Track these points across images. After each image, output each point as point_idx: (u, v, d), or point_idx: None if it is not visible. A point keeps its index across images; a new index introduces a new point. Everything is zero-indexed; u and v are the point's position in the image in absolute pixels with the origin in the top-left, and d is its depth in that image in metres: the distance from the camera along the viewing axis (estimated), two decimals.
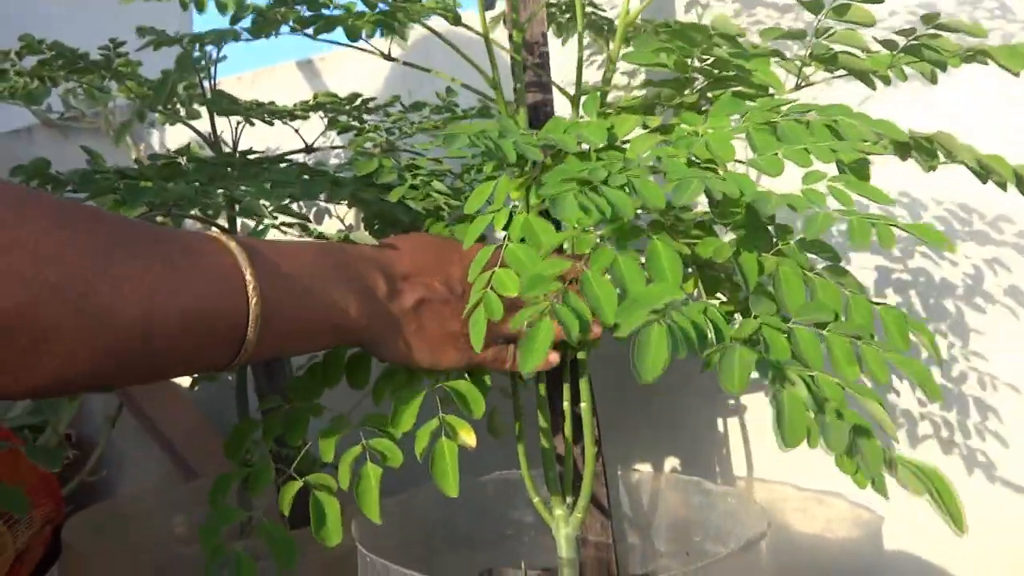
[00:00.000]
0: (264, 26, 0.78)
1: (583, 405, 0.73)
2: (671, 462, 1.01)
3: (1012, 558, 0.97)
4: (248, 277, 0.46)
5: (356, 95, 0.93)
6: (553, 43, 0.89)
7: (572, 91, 0.72)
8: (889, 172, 0.78)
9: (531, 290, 0.48)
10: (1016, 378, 0.96)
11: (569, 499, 0.75)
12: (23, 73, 0.98)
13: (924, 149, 0.57)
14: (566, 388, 0.74)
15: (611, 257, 0.49)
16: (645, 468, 0.89)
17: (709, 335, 0.43)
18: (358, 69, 1.34)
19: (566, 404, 0.76)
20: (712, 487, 0.78)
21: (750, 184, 0.48)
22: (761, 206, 0.46)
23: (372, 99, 0.96)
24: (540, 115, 0.86)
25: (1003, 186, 0.58)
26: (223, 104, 0.90)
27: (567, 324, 0.47)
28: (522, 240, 0.56)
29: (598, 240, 0.52)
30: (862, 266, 1.02)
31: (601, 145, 0.56)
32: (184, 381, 1.42)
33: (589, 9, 1.05)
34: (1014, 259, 0.96)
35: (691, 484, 0.80)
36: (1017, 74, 0.54)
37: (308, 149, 0.96)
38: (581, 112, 0.69)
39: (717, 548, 0.77)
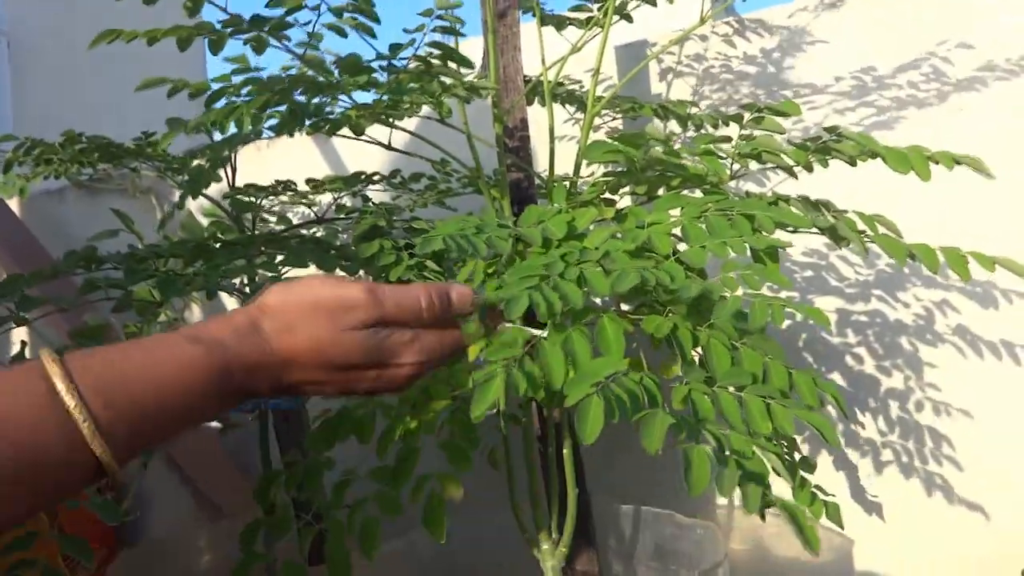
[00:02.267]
0: (283, 129, 0.90)
1: (565, 450, 0.84)
2: (653, 494, 1.10)
3: (966, 567, 1.05)
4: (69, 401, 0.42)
5: (360, 174, 1.04)
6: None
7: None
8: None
9: (497, 355, 0.58)
10: (967, 405, 1.06)
11: (555, 534, 0.85)
12: (65, 160, 1.10)
13: (838, 237, 0.67)
14: (551, 432, 0.84)
15: (565, 334, 0.59)
16: (627, 502, 0.99)
17: (643, 401, 0.53)
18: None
19: (551, 449, 0.86)
20: (683, 520, 0.87)
21: (679, 273, 0.58)
22: (684, 293, 0.56)
23: (375, 174, 1.07)
24: (521, 191, 0.97)
25: (932, 270, 0.67)
26: (243, 204, 1.01)
27: (516, 383, 0.56)
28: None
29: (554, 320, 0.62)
30: (824, 307, 1.12)
31: (562, 236, 0.66)
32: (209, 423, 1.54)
33: (572, 86, 1.16)
34: (961, 301, 1.05)
35: (666, 516, 0.90)
36: (905, 173, 0.64)
37: (320, 221, 1.07)
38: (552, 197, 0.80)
39: (691, 574, 0.87)
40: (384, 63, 0.71)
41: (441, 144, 0.90)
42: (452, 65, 0.73)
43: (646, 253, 0.64)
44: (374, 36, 0.67)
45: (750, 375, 0.59)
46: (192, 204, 1.70)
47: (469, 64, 0.71)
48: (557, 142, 0.93)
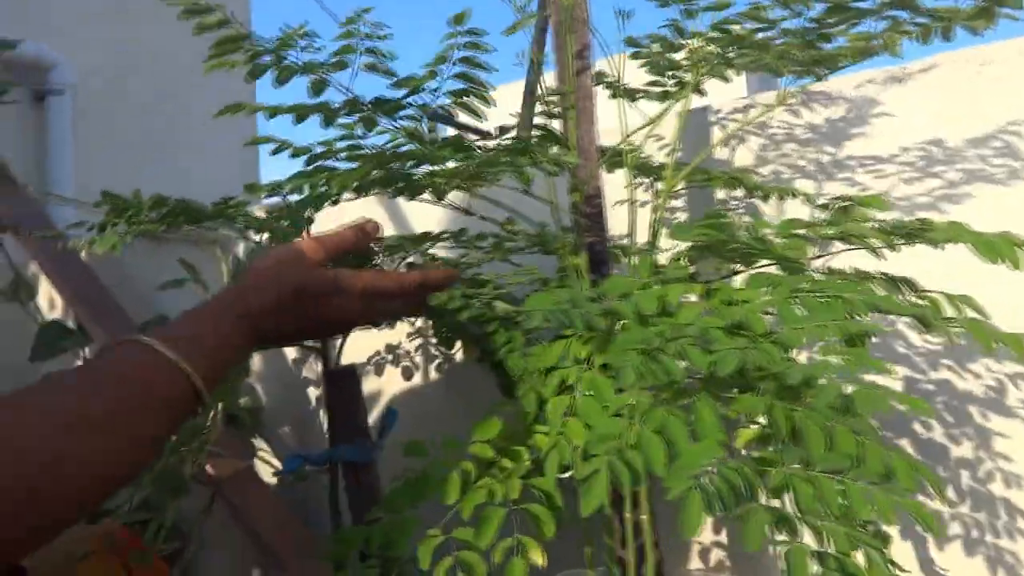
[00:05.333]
0: (367, 190, 0.93)
1: (643, 516, 0.85)
2: (720, 558, 1.10)
3: None
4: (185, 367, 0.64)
5: (427, 234, 1.08)
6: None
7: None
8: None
9: (597, 448, 0.60)
10: None
11: None
12: (153, 221, 1.14)
13: (927, 323, 0.68)
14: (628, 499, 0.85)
15: (662, 417, 0.61)
16: (698, 565, 0.99)
17: (743, 492, 0.54)
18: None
19: (628, 514, 0.87)
20: None
21: (776, 356, 0.60)
22: (788, 378, 0.58)
23: (443, 233, 1.10)
24: (595, 254, 0.99)
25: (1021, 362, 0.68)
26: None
27: (621, 476, 0.58)
28: (588, 394, 0.68)
29: (652, 402, 0.64)
30: (891, 379, 1.12)
31: (654, 313, 0.68)
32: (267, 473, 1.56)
33: (634, 152, 1.19)
34: None
35: None
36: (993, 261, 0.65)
37: None
38: (635, 268, 0.82)
39: None
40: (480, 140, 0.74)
41: (502, 205, 0.93)
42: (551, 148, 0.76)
43: (739, 331, 0.65)
44: (481, 119, 0.70)
45: (848, 458, 0.60)
46: None
47: (566, 144, 0.74)
48: (619, 205, 0.96)
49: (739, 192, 1.19)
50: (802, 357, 1.04)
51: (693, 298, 0.72)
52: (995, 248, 0.65)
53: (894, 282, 0.75)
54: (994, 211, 1.06)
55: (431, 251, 1.11)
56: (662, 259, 0.89)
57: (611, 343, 0.69)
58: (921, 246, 0.75)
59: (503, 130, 0.68)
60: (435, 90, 0.64)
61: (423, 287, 0.85)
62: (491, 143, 0.73)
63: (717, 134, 1.29)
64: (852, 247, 0.74)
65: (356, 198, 0.96)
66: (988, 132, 1.08)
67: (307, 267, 0.78)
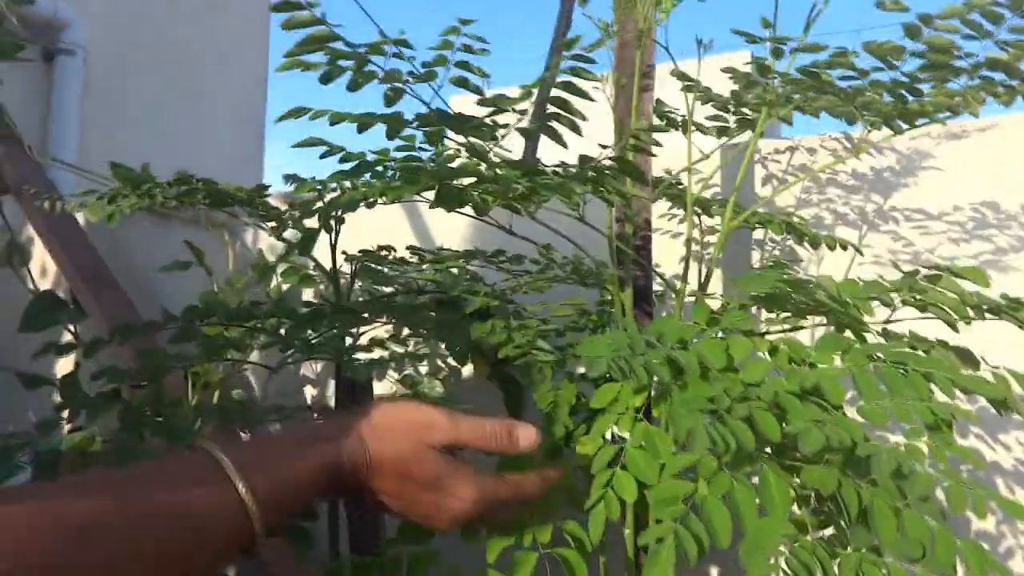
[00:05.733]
0: (397, 195, 0.88)
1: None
2: None
3: None
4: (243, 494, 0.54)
5: (471, 252, 1.03)
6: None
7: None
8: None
9: (658, 512, 0.56)
10: None
11: None
12: (169, 197, 1.09)
13: (1006, 407, 0.65)
14: None
15: (728, 484, 0.57)
16: None
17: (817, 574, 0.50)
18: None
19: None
20: None
21: (860, 435, 0.56)
22: (878, 467, 0.54)
23: (481, 251, 1.06)
24: (640, 290, 0.95)
25: None
26: (368, 270, 1.01)
27: (687, 548, 0.54)
28: (640, 446, 0.64)
29: (717, 465, 0.60)
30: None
31: (721, 367, 0.64)
32: None
33: (681, 186, 1.15)
34: None
35: None
36: None
37: (419, 292, 1.05)
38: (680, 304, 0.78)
39: None
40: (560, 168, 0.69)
41: (538, 229, 0.89)
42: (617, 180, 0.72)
43: (812, 397, 0.62)
44: (564, 146, 0.66)
45: (919, 545, 0.56)
46: (264, 243, 1.70)
47: (644, 180, 0.70)
48: (658, 235, 0.92)
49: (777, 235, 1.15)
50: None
51: (760, 352, 0.68)
52: None
53: (968, 354, 0.71)
54: None
55: (467, 266, 1.07)
56: (713, 301, 0.85)
57: (667, 395, 0.65)
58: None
59: (584, 159, 0.63)
60: (523, 112, 0.60)
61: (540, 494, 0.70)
62: (557, 167, 0.69)
63: (759, 172, 1.26)
64: (924, 316, 0.70)
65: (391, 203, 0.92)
66: None
67: (428, 445, 0.64)
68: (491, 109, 0.59)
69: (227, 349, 1.08)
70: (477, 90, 0.59)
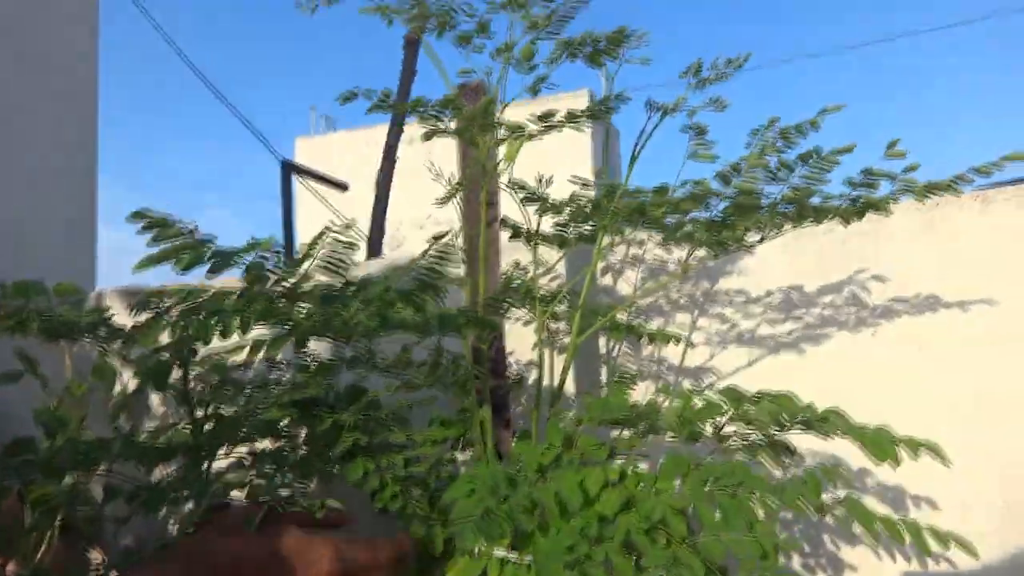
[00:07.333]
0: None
1: None
2: None
3: None
4: None
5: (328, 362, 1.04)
6: None
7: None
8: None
9: None
10: None
11: None
12: None
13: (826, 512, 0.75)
14: None
15: None
16: None
17: None
18: None
19: None
20: None
21: (702, 573, 0.63)
22: None
23: (344, 359, 1.06)
24: (499, 399, 1.00)
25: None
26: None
27: None
28: None
29: None
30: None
31: (579, 505, 0.70)
32: None
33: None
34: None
35: None
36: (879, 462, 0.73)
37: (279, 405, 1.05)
38: (546, 435, 0.83)
39: None
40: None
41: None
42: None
43: (660, 528, 0.68)
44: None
45: None
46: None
47: (495, 326, 0.74)
48: (510, 322, 0.97)
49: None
50: None
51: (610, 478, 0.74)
52: (883, 448, 0.72)
53: (785, 449, 0.81)
54: (841, 351, 1.18)
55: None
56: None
57: (531, 537, 0.70)
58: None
59: (437, 238, 0.68)
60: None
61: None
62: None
63: (599, 264, 1.35)
64: (749, 430, 0.80)
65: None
66: (835, 283, 1.20)
67: None
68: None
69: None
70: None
